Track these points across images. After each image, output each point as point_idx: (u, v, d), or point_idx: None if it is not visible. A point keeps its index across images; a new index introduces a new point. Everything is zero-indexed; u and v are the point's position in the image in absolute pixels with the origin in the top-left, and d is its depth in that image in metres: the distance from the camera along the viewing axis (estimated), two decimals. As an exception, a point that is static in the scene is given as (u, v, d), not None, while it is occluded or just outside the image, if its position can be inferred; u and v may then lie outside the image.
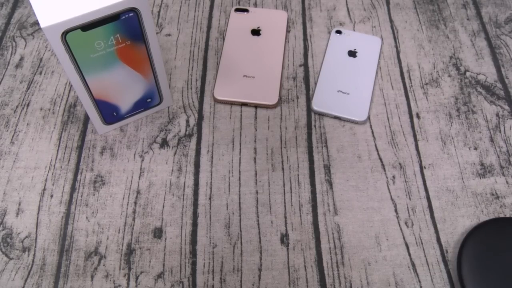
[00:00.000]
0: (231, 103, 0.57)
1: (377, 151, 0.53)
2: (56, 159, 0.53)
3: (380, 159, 0.53)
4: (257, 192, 0.51)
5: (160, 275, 0.46)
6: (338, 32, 0.62)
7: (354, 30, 0.63)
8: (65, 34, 0.42)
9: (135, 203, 0.50)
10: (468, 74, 0.59)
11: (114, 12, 0.42)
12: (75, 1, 0.41)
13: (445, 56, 0.61)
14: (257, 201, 0.50)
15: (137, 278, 0.46)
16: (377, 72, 0.59)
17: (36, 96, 0.57)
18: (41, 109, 0.56)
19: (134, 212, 0.49)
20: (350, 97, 0.56)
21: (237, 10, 0.64)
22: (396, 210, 0.50)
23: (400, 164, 0.52)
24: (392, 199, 0.50)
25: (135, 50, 0.47)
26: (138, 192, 0.51)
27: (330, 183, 0.51)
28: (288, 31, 0.63)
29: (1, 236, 0.48)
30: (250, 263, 0.47)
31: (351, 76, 0.58)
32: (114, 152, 0.53)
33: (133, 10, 0.43)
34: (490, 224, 0.47)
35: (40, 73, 0.59)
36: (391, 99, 0.57)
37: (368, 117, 0.55)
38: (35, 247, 0.47)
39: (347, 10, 0.65)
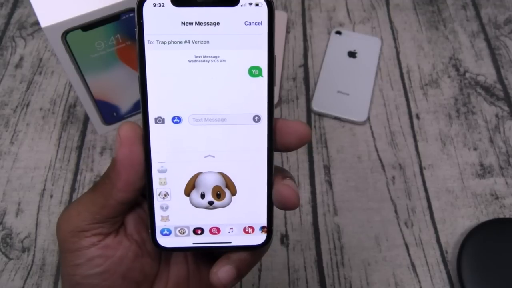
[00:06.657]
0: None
1: (377, 151, 0.53)
2: (55, 159, 0.53)
3: (380, 159, 0.53)
4: (257, 193, 0.50)
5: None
6: (338, 32, 0.62)
7: (354, 31, 0.63)
8: (65, 34, 0.42)
9: (135, 203, 0.50)
10: (467, 75, 0.59)
11: (115, 12, 0.42)
12: (75, 1, 0.41)
13: (445, 57, 0.61)
14: (257, 201, 0.50)
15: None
16: (376, 73, 0.59)
17: (35, 96, 0.57)
18: (40, 109, 0.56)
19: (134, 212, 0.49)
20: (350, 98, 0.56)
21: None
22: (396, 211, 0.50)
23: (399, 164, 0.52)
24: (392, 200, 0.50)
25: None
26: (138, 192, 0.50)
27: (330, 183, 0.51)
28: (288, 32, 0.63)
29: (0, 236, 0.48)
30: (250, 264, 0.47)
31: (351, 76, 0.58)
32: (114, 152, 0.53)
33: (134, 10, 0.43)
34: (489, 224, 0.47)
35: (40, 73, 0.59)
36: (391, 99, 0.57)
37: (368, 118, 0.56)
38: (35, 247, 0.47)
39: (347, 11, 0.65)
